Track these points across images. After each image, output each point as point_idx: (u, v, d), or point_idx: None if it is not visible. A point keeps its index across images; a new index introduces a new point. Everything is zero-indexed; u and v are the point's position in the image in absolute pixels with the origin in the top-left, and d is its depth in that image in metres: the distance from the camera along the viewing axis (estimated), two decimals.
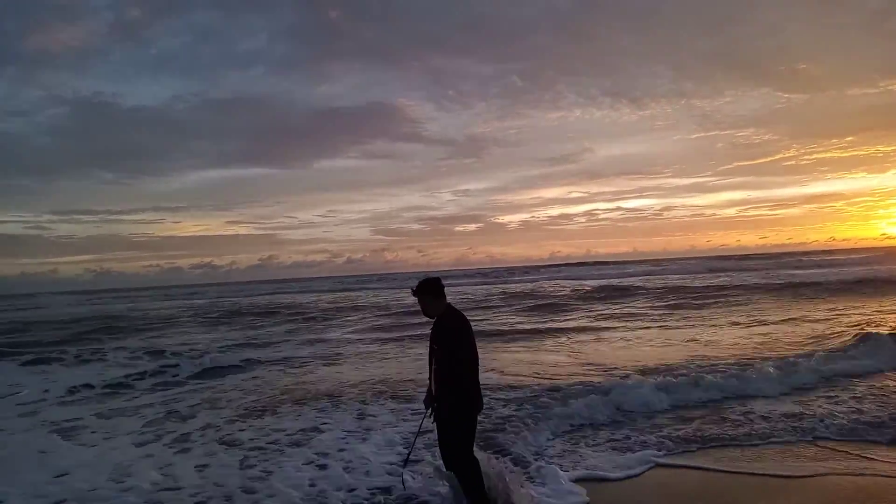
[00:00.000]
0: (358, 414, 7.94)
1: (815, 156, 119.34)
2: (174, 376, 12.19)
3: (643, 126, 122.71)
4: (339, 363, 12.88)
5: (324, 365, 12.67)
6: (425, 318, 4.72)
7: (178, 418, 8.37)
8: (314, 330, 21.42)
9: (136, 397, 10.35)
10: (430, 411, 4.63)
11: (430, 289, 4.58)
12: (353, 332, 19.88)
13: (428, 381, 4.72)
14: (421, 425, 4.92)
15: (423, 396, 4.85)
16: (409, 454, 5.20)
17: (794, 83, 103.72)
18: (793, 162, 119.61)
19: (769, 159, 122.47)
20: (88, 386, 11.26)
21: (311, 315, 27.82)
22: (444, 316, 4.59)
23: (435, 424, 4.63)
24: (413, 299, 4.64)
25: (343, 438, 6.81)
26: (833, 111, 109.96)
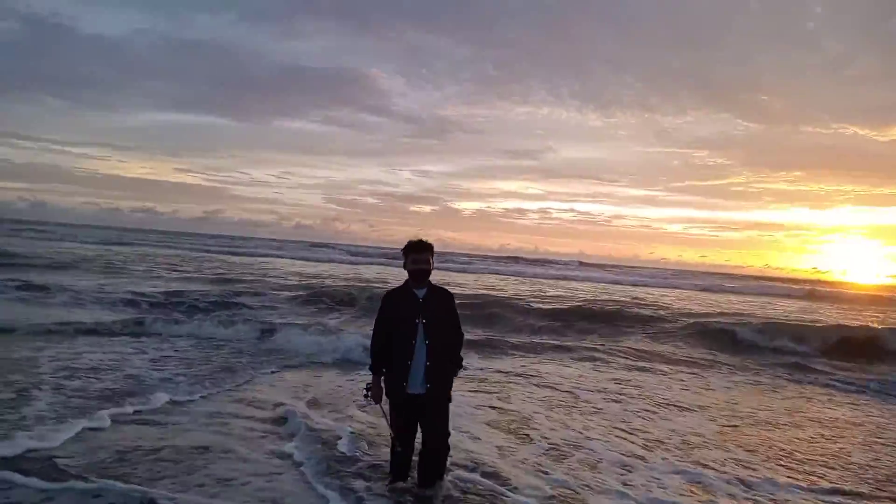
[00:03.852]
0: None
1: (762, 185, 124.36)
2: None
3: (606, 133, 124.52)
4: None
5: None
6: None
7: None
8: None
9: None
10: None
11: (432, 249, 4.01)
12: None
13: (377, 370, 4.06)
14: (390, 417, 4.06)
15: None
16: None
17: (753, 113, 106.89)
18: (741, 188, 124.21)
19: (719, 182, 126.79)
20: None
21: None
22: (435, 286, 4.02)
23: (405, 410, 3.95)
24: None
25: None
26: (785, 145, 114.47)
